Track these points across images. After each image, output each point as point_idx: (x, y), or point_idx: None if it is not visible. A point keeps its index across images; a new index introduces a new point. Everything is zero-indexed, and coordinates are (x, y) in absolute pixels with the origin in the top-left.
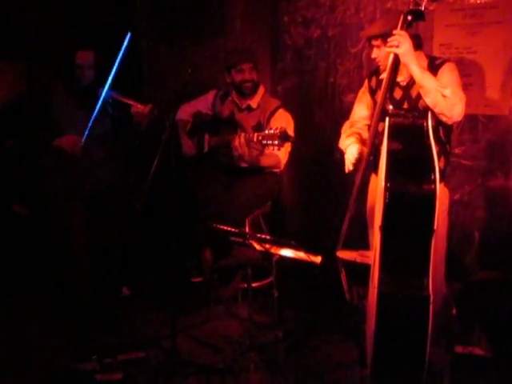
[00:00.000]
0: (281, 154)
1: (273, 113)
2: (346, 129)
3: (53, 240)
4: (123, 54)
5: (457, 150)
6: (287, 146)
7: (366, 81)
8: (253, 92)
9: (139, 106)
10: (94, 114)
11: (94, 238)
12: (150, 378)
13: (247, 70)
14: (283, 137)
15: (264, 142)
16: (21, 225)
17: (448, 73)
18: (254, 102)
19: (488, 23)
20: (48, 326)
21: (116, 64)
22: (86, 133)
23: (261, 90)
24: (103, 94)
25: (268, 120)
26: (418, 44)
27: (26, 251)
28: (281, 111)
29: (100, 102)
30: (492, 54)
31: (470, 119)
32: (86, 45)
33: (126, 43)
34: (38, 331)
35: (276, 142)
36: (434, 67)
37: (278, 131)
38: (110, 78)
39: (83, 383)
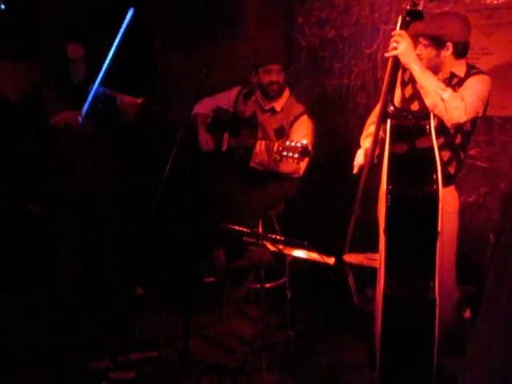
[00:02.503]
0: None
1: (296, 118)
2: (368, 124)
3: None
4: (123, 32)
5: (472, 152)
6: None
7: (400, 73)
8: (278, 94)
9: (128, 97)
10: (92, 93)
11: (85, 240)
12: (163, 377)
13: (275, 72)
14: (304, 152)
15: (284, 152)
16: (34, 223)
17: (473, 83)
18: (278, 105)
19: (504, 24)
20: (61, 325)
21: (115, 44)
22: (86, 105)
23: (286, 93)
24: (94, 88)
25: (291, 125)
26: (463, 51)
27: (39, 249)
28: (304, 117)
29: (91, 97)
30: (508, 55)
31: (485, 121)
32: (74, 38)
33: (127, 20)
34: (51, 329)
35: (296, 156)
36: (467, 75)
37: (299, 146)
38: (104, 69)
39: (96, 382)
